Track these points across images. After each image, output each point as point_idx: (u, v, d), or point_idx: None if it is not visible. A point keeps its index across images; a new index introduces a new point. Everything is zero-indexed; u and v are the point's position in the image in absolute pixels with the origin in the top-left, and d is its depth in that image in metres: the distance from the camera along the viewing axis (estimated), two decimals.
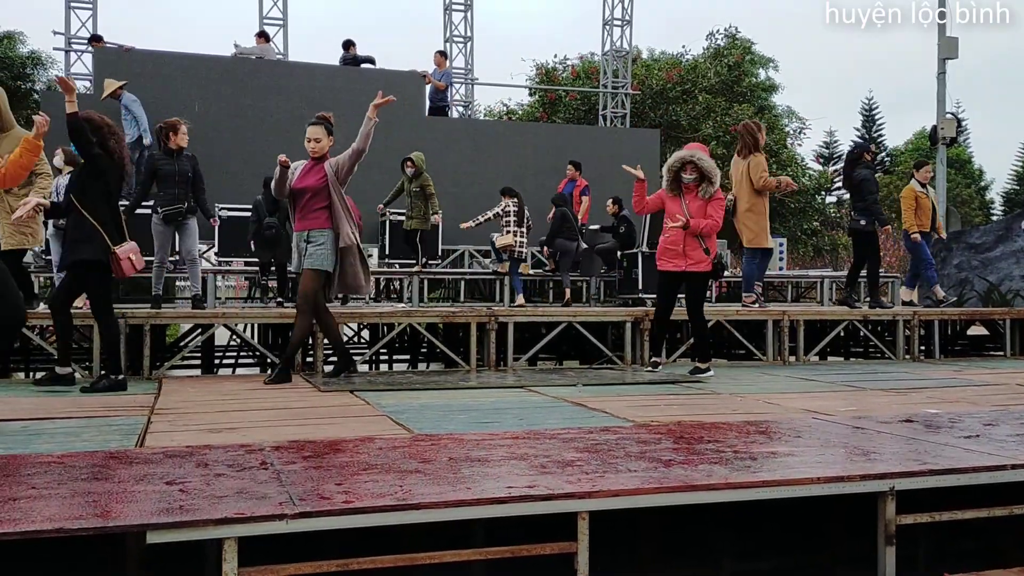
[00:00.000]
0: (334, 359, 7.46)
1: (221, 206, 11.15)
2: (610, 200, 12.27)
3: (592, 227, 12.61)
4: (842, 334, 11.47)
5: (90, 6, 14.29)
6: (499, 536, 3.39)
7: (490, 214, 11.23)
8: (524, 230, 11.09)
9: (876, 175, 11.15)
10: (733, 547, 4.19)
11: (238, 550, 2.90)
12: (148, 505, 3.01)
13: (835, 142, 48.16)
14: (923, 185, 10.96)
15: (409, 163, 11.27)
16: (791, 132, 28.90)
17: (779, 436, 4.58)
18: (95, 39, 13.01)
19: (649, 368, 7.94)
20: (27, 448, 4.13)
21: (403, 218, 11.64)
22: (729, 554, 4.20)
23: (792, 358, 9.46)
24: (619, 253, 11.66)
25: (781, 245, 16.11)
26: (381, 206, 11.74)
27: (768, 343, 9.38)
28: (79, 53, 14.28)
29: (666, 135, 22.77)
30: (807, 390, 6.86)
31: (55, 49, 16.83)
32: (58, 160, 9.14)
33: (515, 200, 11.18)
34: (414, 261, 11.42)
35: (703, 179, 7.24)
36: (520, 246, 10.97)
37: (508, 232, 11.00)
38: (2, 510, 2.95)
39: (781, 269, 15.71)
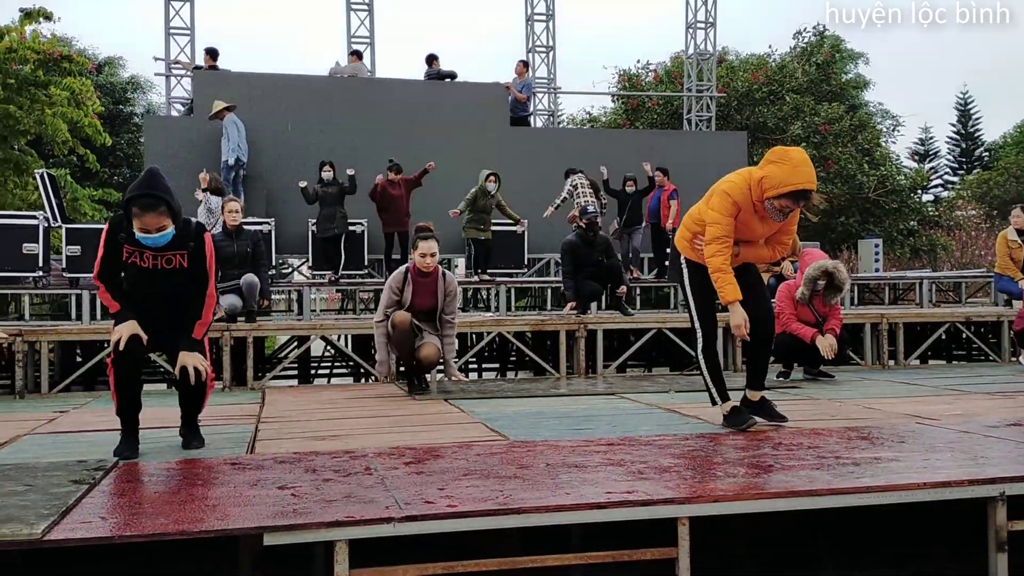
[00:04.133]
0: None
1: (313, 221, 11.53)
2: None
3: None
4: (943, 336, 11.09)
5: (188, 32, 14.92)
6: (593, 541, 3.43)
7: (564, 194, 11.66)
8: (598, 201, 11.46)
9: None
10: (834, 555, 4.12)
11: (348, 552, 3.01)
12: (264, 509, 3.15)
13: (931, 139, 46.47)
14: (1020, 232, 9.86)
15: (493, 178, 11.42)
16: (884, 130, 28.08)
17: (882, 441, 4.49)
18: (210, 54, 13.54)
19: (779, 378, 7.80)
20: (144, 457, 4.35)
21: (512, 227, 12.20)
22: (830, 562, 4.13)
23: (891, 362, 9.21)
24: None
25: (877, 246, 15.68)
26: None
27: (866, 347, 9.15)
28: (179, 77, 14.91)
29: (753, 137, 22.40)
30: (909, 394, 6.67)
31: (156, 75, 17.59)
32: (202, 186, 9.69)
33: (580, 174, 11.69)
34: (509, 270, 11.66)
35: (831, 287, 7.38)
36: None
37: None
38: (128, 514, 3.14)
39: (877, 271, 15.28)
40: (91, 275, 10.02)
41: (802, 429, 4.88)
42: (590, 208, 9.21)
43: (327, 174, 11.15)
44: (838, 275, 7.32)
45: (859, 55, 28.52)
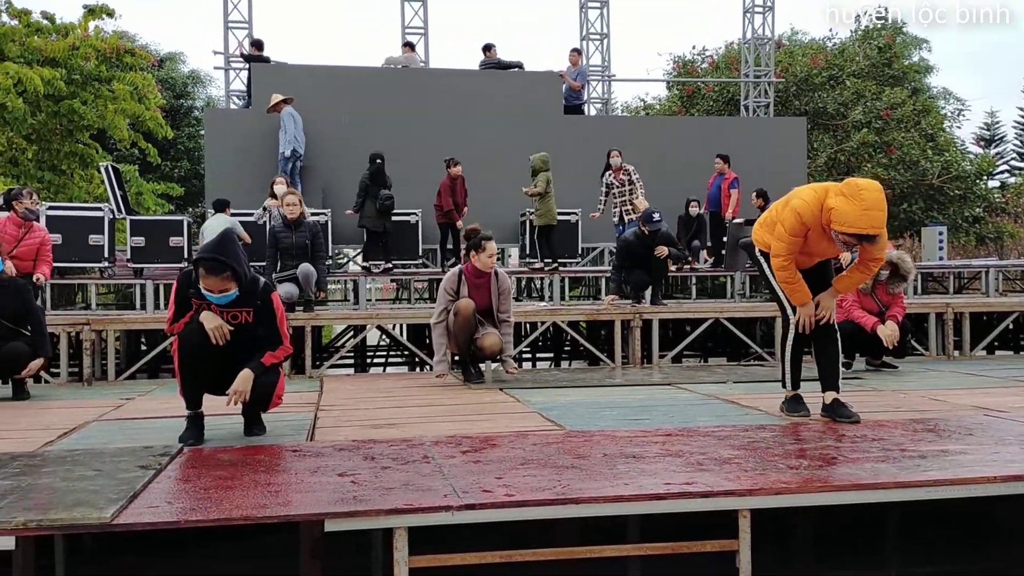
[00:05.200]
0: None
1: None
2: (754, 193, 11.97)
3: (736, 220, 12.36)
4: (1011, 327, 10.76)
5: (246, 25, 15.12)
6: (651, 533, 3.40)
7: (639, 187, 11.39)
8: None
9: None
10: (899, 550, 4.03)
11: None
12: (324, 495, 3.19)
13: (997, 123, 45.01)
14: None
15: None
16: (949, 115, 27.27)
17: (949, 434, 4.37)
18: (256, 45, 13.75)
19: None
20: (208, 443, 4.43)
21: (566, 216, 12.04)
22: (895, 557, 4.04)
23: (956, 353, 8.97)
24: None
25: (941, 234, 15.26)
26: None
27: (931, 337, 8.92)
28: (237, 71, 15.13)
29: (813, 123, 21.94)
30: (976, 386, 6.49)
31: (215, 68, 17.87)
32: (280, 188, 9.81)
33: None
34: (549, 260, 11.53)
35: (896, 276, 7.26)
36: None
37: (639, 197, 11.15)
38: (193, 499, 3.20)
39: (942, 259, 14.88)
40: (154, 266, 10.34)
41: (866, 421, 4.78)
42: (655, 216, 9.09)
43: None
44: (903, 265, 7.18)
45: (922, 41, 27.74)
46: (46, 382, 7.44)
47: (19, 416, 5.54)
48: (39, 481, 3.47)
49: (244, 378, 4.32)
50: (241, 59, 14.49)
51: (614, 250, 10.88)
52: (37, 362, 6.14)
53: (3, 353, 6.04)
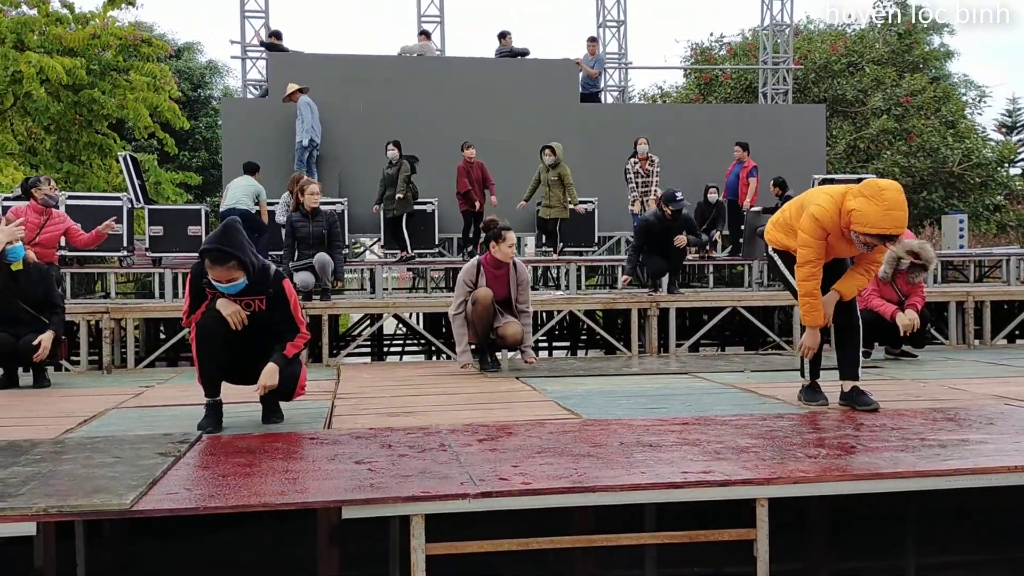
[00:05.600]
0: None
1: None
2: (772, 182, 11.88)
3: (754, 208, 12.28)
4: None
5: (263, 15, 15.14)
6: (666, 522, 3.39)
7: (656, 178, 11.29)
8: None
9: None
10: (918, 540, 4.00)
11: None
12: (342, 483, 3.21)
13: (1018, 110, 44.41)
14: None
15: (548, 151, 11.18)
16: (969, 101, 26.94)
17: (969, 423, 4.34)
18: (275, 35, 13.78)
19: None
20: (226, 431, 4.46)
21: (582, 205, 11.83)
22: (913, 547, 4.02)
23: (977, 341, 8.89)
24: None
25: (961, 222, 15.14)
26: (523, 203, 11.67)
27: (950, 326, 8.85)
28: (254, 60, 15.16)
29: (832, 110, 21.75)
30: (996, 375, 6.44)
31: (232, 58, 17.91)
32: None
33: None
34: (552, 249, 11.50)
35: (917, 266, 7.14)
36: None
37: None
38: (212, 486, 3.22)
39: (962, 247, 14.75)
40: (173, 255, 10.39)
41: (885, 410, 4.75)
42: (678, 195, 8.93)
43: (391, 153, 11.20)
44: (924, 254, 7.08)
45: (943, 25, 27.37)
46: (66, 370, 7.51)
47: (40, 403, 5.60)
48: (60, 468, 3.50)
49: (270, 372, 4.38)
50: (260, 46, 14.51)
51: (631, 237, 10.81)
52: (48, 335, 6.16)
53: (20, 345, 6.12)
